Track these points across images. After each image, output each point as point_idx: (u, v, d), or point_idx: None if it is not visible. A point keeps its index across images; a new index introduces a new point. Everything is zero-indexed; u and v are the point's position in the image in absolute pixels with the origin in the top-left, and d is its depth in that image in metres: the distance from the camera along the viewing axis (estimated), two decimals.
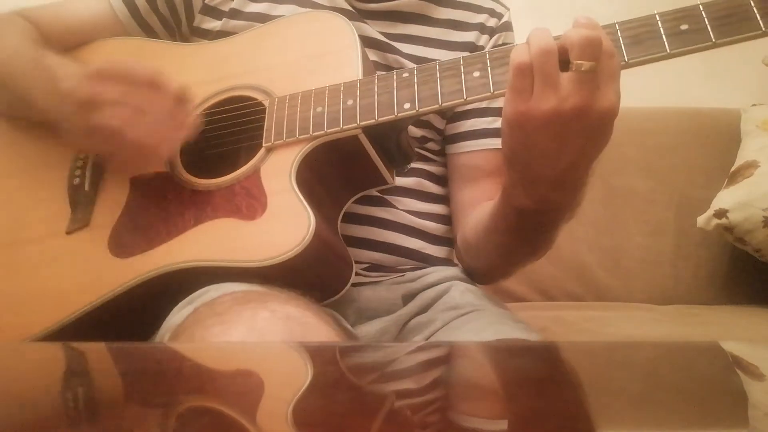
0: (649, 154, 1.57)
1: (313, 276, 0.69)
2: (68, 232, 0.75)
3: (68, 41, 0.86)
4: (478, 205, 0.82)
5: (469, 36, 0.86)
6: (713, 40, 0.60)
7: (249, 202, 0.68)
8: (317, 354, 0.49)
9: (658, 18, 0.62)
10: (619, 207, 1.56)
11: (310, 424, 0.31)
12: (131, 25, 0.85)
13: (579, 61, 0.57)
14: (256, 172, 0.70)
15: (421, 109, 0.67)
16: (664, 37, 0.61)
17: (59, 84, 0.71)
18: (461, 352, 0.52)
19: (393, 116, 0.67)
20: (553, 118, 0.58)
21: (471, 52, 0.83)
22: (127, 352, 0.50)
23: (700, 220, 1.48)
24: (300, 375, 0.43)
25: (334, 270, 0.72)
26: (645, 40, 0.62)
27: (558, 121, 0.58)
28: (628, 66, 0.62)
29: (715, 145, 1.62)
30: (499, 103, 0.78)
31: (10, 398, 0.36)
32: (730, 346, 0.55)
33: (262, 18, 0.81)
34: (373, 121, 0.67)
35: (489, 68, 0.65)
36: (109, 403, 0.36)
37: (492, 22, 0.88)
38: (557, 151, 0.60)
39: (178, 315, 0.63)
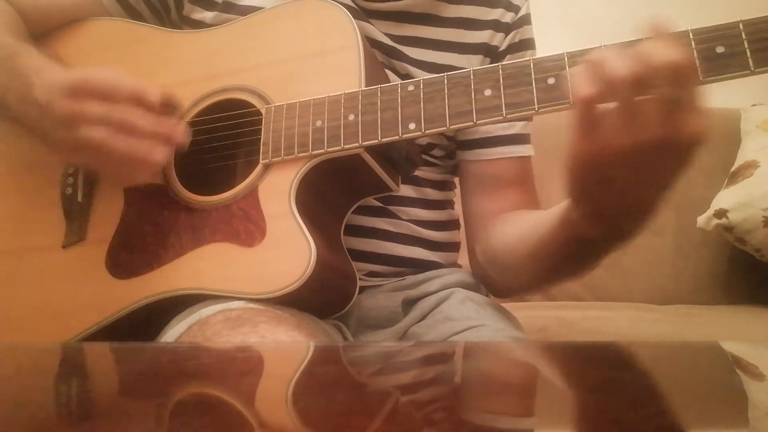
0: None
1: (316, 300, 0.68)
2: (65, 246, 0.73)
3: (48, 23, 0.83)
4: (507, 218, 0.79)
5: (482, 36, 0.80)
6: (752, 68, 0.54)
7: (247, 227, 0.66)
8: (318, 354, 0.49)
9: (691, 36, 0.55)
10: None
11: (310, 424, 0.31)
12: (116, 10, 0.82)
13: (664, 88, 0.49)
14: (253, 192, 0.67)
15: (427, 131, 0.63)
16: (698, 61, 0.55)
17: (35, 93, 0.68)
18: (462, 352, 0.52)
19: (397, 136, 0.64)
20: (636, 153, 0.51)
21: (485, 55, 0.80)
22: (127, 352, 0.50)
23: (700, 220, 1.48)
24: (300, 374, 0.43)
25: (338, 290, 0.71)
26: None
27: (641, 155, 0.51)
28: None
29: (715, 145, 1.62)
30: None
31: (8, 398, 0.36)
32: (730, 346, 0.55)
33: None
34: (376, 141, 0.64)
35: (501, 87, 0.60)
36: (106, 403, 0.36)
37: (508, 17, 0.81)
38: (636, 185, 0.54)
39: (171, 331, 0.63)
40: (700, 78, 0.54)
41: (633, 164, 0.52)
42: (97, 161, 0.68)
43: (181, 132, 0.67)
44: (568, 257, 0.67)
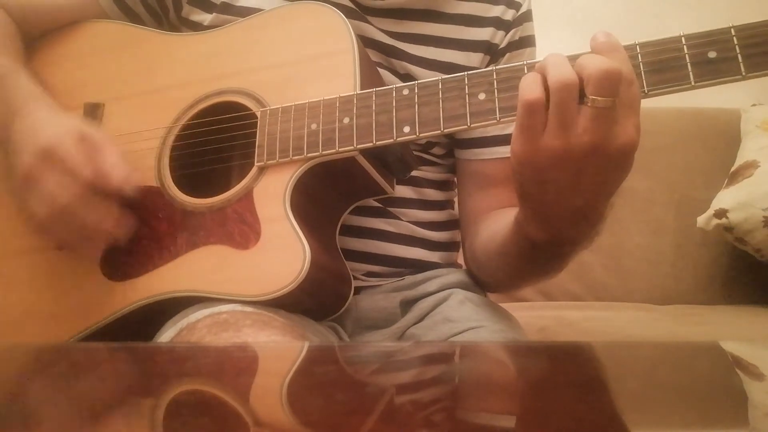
0: (649, 154, 1.57)
1: (311, 302, 0.68)
2: (59, 248, 0.73)
3: (45, 24, 0.83)
4: (490, 216, 0.80)
5: (483, 33, 0.80)
6: (743, 73, 0.55)
7: (242, 229, 0.66)
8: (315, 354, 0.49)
9: (684, 41, 0.56)
10: (619, 207, 1.56)
11: (309, 424, 0.31)
12: (114, 12, 0.82)
13: (596, 97, 0.52)
14: (248, 194, 0.68)
15: (421, 134, 0.63)
16: (689, 66, 0.56)
17: (15, 127, 0.69)
18: (462, 351, 0.52)
19: (392, 140, 0.64)
20: (566, 156, 0.53)
21: (485, 53, 0.81)
22: (125, 352, 0.50)
23: (700, 220, 1.48)
24: (295, 374, 0.43)
25: (333, 292, 0.71)
26: (668, 68, 0.56)
27: (571, 158, 0.54)
28: (646, 96, 0.57)
29: (715, 145, 1.62)
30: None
31: (7, 398, 0.36)
32: (730, 346, 0.55)
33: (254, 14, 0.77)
34: (371, 144, 0.65)
35: (495, 90, 0.61)
36: (105, 403, 0.36)
37: (509, 15, 0.81)
38: (572, 188, 0.56)
39: (163, 336, 0.64)
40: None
41: (568, 169, 0.55)
42: (34, 227, 0.69)
43: (124, 228, 0.68)
44: (525, 259, 0.69)
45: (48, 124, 0.68)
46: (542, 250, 0.65)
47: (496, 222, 0.75)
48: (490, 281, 0.84)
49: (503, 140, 0.81)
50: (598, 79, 0.51)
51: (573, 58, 0.56)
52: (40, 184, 0.65)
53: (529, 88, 0.54)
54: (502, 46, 0.81)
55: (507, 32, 0.81)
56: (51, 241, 0.69)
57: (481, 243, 0.79)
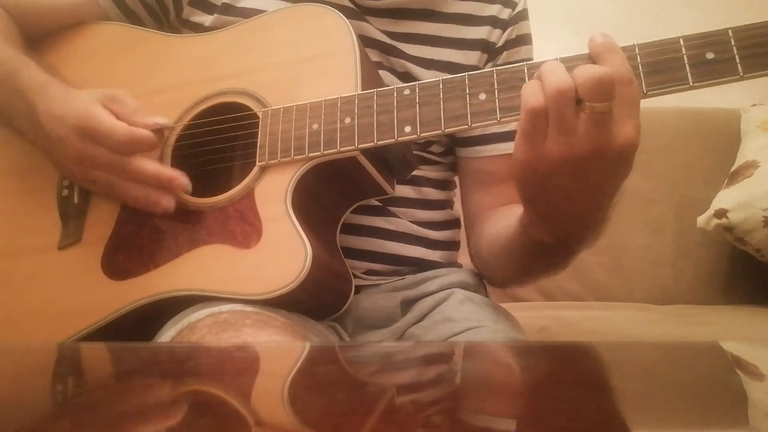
0: (649, 154, 1.57)
1: (312, 301, 0.68)
2: (60, 248, 0.73)
3: (46, 25, 0.83)
4: (493, 213, 0.80)
5: (480, 32, 0.81)
6: (741, 73, 0.56)
7: (243, 228, 0.66)
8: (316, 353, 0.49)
9: (682, 43, 0.57)
10: (619, 207, 1.56)
11: (310, 424, 0.31)
12: (114, 12, 0.82)
13: (592, 104, 0.53)
14: (250, 194, 0.68)
15: (422, 134, 0.64)
16: (687, 66, 0.57)
17: (41, 119, 0.70)
18: (463, 351, 0.52)
19: (393, 140, 0.65)
20: (569, 160, 0.54)
21: (482, 51, 0.81)
22: (126, 352, 0.50)
23: (700, 220, 1.48)
24: (296, 374, 0.43)
25: (334, 292, 0.71)
26: (666, 69, 0.57)
27: (574, 163, 0.55)
28: (645, 96, 0.57)
29: (715, 145, 1.62)
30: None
31: (6, 399, 0.36)
32: (730, 346, 0.55)
33: (256, 15, 0.77)
34: (372, 144, 0.65)
35: (496, 91, 0.61)
36: (105, 403, 0.36)
37: (505, 14, 0.82)
38: (576, 190, 0.57)
39: (164, 336, 0.64)
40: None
41: (571, 173, 0.56)
42: (113, 195, 0.72)
43: (182, 181, 0.69)
44: (530, 257, 0.70)
45: (68, 99, 0.70)
46: (547, 249, 0.66)
47: (500, 221, 0.75)
48: (495, 278, 0.85)
49: (503, 137, 0.82)
50: (592, 86, 0.52)
51: (571, 60, 0.57)
52: (95, 158, 0.68)
53: (532, 96, 0.55)
54: (499, 44, 0.82)
55: (504, 31, 0.82)
56: (130, 201, 0.70)
57: (486, 242, 0.79)
